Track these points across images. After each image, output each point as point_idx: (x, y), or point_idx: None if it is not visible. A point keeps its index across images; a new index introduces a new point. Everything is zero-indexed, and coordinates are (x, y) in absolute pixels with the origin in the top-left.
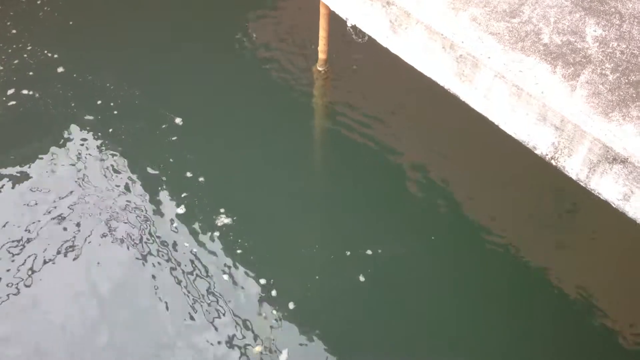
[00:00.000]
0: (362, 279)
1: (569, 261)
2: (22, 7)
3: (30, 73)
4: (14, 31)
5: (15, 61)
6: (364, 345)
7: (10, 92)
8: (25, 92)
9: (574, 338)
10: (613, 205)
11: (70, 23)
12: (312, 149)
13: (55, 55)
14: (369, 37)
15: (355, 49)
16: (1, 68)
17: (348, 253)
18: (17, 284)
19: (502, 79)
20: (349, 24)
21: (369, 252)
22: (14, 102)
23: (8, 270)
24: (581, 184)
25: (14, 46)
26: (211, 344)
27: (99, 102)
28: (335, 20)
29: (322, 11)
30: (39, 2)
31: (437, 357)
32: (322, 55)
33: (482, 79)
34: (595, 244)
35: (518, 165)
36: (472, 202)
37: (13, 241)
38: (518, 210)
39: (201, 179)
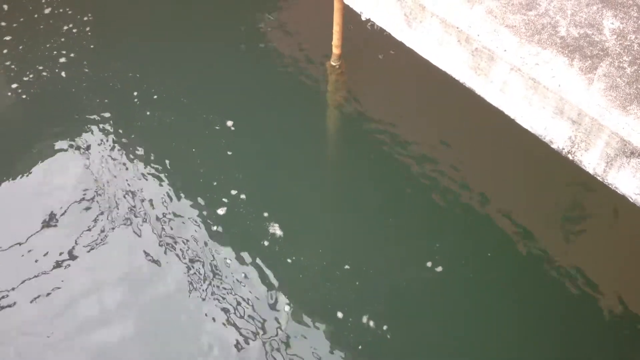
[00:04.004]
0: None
1: (588, 255)
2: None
3: (50, 67)
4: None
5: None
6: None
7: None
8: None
9: (591, 339)
10: (630, 200)
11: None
12: (332, 150)
13: (92, 45)
14: (383, 31)
15: (370, 43)
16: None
17: (400, 262)
18: (38, 276)
19: (518, 72)
20: (363, 18)
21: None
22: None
23: (35, 261)
24: (598, 178)
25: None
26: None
27: (135, 93)
28: (350, 15)
29: (336, 5)
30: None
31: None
32: (336, 50)
33: (498, 73)
34: (615, 240)
35: (534, 160)
36: (489, 199)
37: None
38: (535, 206)
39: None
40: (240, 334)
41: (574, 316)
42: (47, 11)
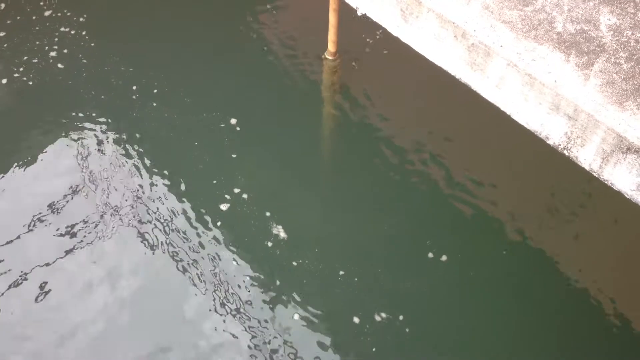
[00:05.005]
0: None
1: (583, 253)
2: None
3: (50, 61)
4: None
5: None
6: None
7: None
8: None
9: (588, 332)
10: (626, 196)
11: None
12: (332, 146)
13: (93, 44)
14: (379, 26)
15: (365, 38)
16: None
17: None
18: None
19: (514, 68)
20: (359, 13)
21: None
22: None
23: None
24: (594, 174)
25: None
26: None
27: (134, 87)
28: (346, 10)
29: (332, 0)
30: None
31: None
32: (332, 46)
33: (494, 68)
34: (611, 238)
35: (529, 156)
36: (486, 195)
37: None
38: (531, 202)
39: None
40: (245, 339)
41: (575, 315)
42: (47, 14)
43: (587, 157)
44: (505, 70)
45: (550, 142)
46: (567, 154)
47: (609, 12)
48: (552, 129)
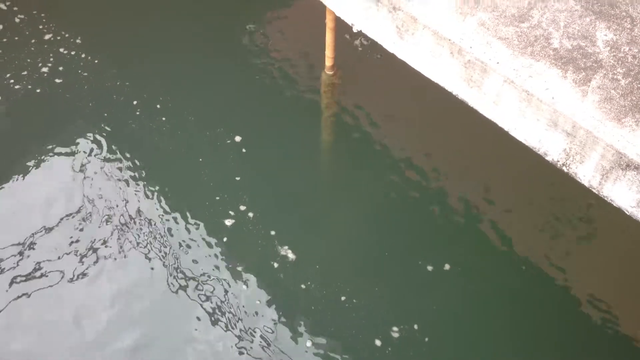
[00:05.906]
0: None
1: (578, 265)
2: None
3: (58, 68)
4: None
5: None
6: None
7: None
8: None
9: (583, 342)
10: (627, 213)
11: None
12: (328, 159)
13: (85, 54)
14: (376, 42)
15: (363, 54)
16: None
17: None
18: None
19: (511, 85)
20: (355, 30)
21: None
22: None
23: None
24: (593, 190)
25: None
26: None
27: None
28: (342, 26)
29: (329, 17)
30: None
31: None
32: (329, 61)
33: (491, 85)
34: (607, 248)
35: (528, 171)
36: (484, 208)
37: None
38: (528, 215)
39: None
40: None
41: (574, 327)
42: (46, 37)
43: (586, 173)
44: (502, 87)
45: (549, 158)
46: (566, 170)
47: (605, 27)
48: (550, 146)
